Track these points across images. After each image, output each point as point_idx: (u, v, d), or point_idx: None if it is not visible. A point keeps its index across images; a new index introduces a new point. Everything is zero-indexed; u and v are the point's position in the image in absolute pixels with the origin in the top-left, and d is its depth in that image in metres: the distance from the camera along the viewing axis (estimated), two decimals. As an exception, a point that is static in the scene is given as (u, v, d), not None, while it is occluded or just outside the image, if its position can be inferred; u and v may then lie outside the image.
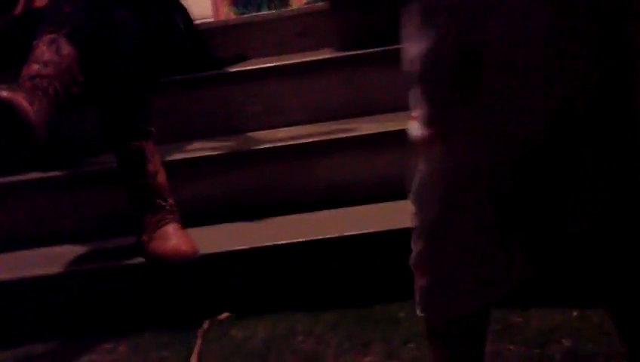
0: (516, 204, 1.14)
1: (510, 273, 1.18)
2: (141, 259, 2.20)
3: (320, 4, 3.00)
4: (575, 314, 1.84)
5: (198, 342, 2.00)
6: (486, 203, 1.13)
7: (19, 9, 2.32)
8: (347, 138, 2.40)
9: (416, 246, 1.24)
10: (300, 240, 2.18)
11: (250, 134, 2.61)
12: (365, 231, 2.17)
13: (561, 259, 1.19)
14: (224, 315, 2.15)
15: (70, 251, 2.34)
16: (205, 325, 2.08)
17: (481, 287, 1.18)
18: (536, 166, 1.13)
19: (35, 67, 2.03)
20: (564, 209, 1.15)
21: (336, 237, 2.17)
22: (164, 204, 2.23)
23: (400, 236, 2.18)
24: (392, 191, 2.35)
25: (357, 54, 2.58)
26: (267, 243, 2.19)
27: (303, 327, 2.01)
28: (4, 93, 1.89)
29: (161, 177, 2.24)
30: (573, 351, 1.71)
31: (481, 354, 1.31)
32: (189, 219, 2.28)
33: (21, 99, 1.91)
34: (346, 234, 2.18)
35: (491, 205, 1.13)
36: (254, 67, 2.68)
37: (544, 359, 1.70)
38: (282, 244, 2.19)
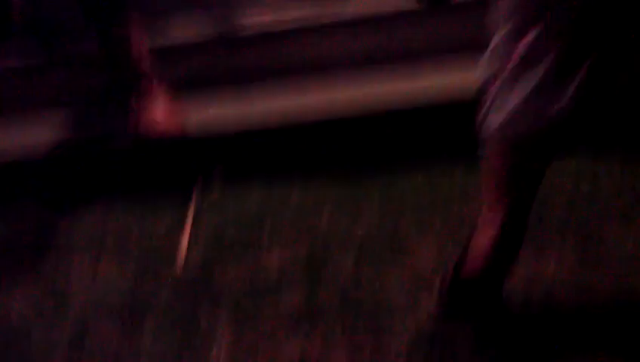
0: (579, 38, 1.19)
1: (559, 106, 1.25)
2: (127, 140, 2.22)
3: None
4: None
5: (192, 210, 2.00)
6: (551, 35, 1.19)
7: None
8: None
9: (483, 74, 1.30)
10: (287, 123, 2.18)
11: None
12: (358, 114, 2.17)
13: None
14: (215, 183, 2.13)
15: (57, 132, 2.32)
16: (197, 195, 2.08)
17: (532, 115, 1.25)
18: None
19: None
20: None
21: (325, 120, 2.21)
22: (148, 84, 2.23)
23: (391, 117, 2.28)
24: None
25: None
26: (257, 125, 2.16)
27: (296, 195, 2.01)
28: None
29: (145, 58, 2.22)
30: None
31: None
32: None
33: None
34: (335, 116, 2.21)
35: (555, 37, 1.18)
36: None
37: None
38: (269, 128, 2.13)
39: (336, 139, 2.19)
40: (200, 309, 1.56)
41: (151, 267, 1.76)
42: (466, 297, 1.46)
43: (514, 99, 1.25)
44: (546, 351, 1.40)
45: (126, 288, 1.68)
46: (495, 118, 1.29)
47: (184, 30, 2.23)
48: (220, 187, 2.12)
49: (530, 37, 1.17)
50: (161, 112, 2.15)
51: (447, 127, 2.14)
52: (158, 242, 1.88)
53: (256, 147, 2.22)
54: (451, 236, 1.73)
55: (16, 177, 2.17)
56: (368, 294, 1.54)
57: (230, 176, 2.17)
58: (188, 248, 1.83)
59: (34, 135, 2.23)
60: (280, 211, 1.97)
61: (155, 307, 1.58)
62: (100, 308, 1.61)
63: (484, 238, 1.38)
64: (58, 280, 1.72)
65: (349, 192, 2.03)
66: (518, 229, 1.41)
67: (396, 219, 1.87)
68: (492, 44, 1.25)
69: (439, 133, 2.15)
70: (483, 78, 1.29)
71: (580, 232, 1.65)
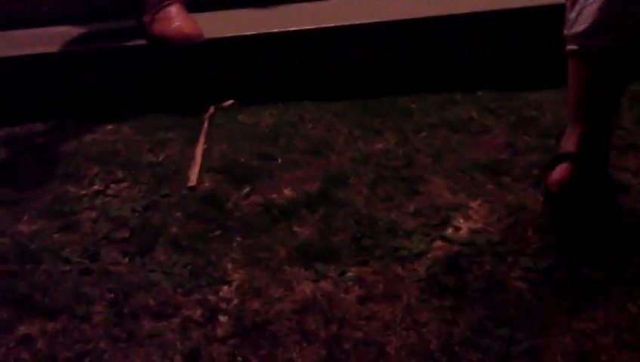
0: None
1: None
2: (143, 41, 2.14)
3: None
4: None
5: (205, 125, 1.98)
6: None
7: None
8: None
9: None
10: (308, 27, 2.13)
11: None
12: (373, 21, 2.12)
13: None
14: (229, 102, 2.12)
15: (69, 32, 2.21)
16: (211, 110, 2.07)
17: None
18: None
19: None
20: None
21: (341, 26, 2.12)
22: None
23: (409, 27, 2.19)
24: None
25: None
26: (274, 30, 2.13)
27: (312, 115, 1.99)
28: None
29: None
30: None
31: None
32: (193, 4, 2.20)
33: None
34: (352, 22, 2.13)
35: None
36: None
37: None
38: (289, 31, 2.12)
39: (357, 52, 2.11)
40: (211, 236, 1.52)
41: (163, 184, 1.72)
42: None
43: (597, 10, 1.31)
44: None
45: (136, 206, 1.65)
46: (578, 27, 1.34)
47: None
48: (234, 104, 2.08)
49: None
50: (178, 13, 2.07)
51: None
52: (171, 157, 1.85)
53: (272, 60, 2.15)
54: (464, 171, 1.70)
55: (28, 89, 2.16)
56: (382, 229, 1.50)
57: (244, 93, 2.11)
58: (201, 166, 1.80)
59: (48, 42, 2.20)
60: (295, 130, 1.92)
61: (165, 229, 1.55)
62: (110, 228, 1.58)
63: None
64: (67, 196, 1.70)
65: (369, 111, 1.99)
66: (597, 152, 1.43)
67: (413, 143, 1.82)
68: None
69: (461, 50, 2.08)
70: None
71: None
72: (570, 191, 1.45)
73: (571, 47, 1.39)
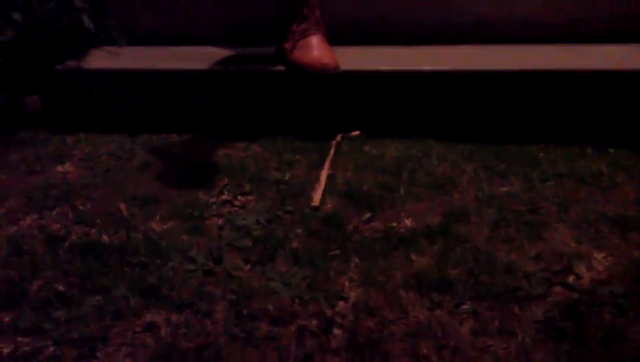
0: None
1: None
2: (281, 67, 2.24)
3: None
4: None
5: (331, 151, 2.05)
6: None
7: None
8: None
9: None
10: (442, 68, 2.17)
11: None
12: (510, 69, 2.13)
13: None
14: (356, 132, 2.19)
15: (213, 52, 2.37)
16: (338, 138, 2.13)
17: None
18: None
19: None
20: None
21: (475, 70, 2.15)
22: (310, 15, 2.22)
23: (543, 77, 2.19)
24: (542, 34, 2.32)
25: None
26: (409, 68, 2.18)
27: (437, 153, 2.02)
28: None
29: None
30: None
31: None
32: (333, 38, 2.28)
33: None
34: (490, 68, 2.15)
35: None
36: None
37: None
38: (423, 71, 2.17)
39: (487, 96, 2.13)
40: (330, 254, 1.56)
41: (287, 201, 1.78)
42: None
43: None
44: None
45: (260, 219, 1.71)
46: None
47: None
48: (362, 134, 2.14)
49: None
50: (319, 44, 2.15)
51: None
52: (296, 177, 1.92)
53: (403, 97, 2.20)
54: (590, 222, 1.67)
55: (164, 102, 2.29)
56: (500, 268, 1.50)
57: (373, 124, 2.17)
58: (324, 189, 1.85)
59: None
60: (419, 164, 1.95)
61: (287, 242, 1.60)
62: (235, 235, 1.65)
63: None
64: (198, 202, 1.79)
65: (495, 155, 2.00)
66: None
67: (539, 190, 1.82)
68: None
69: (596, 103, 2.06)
70: None
71: None
72: None
73: None
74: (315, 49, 2.19)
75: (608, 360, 1.25)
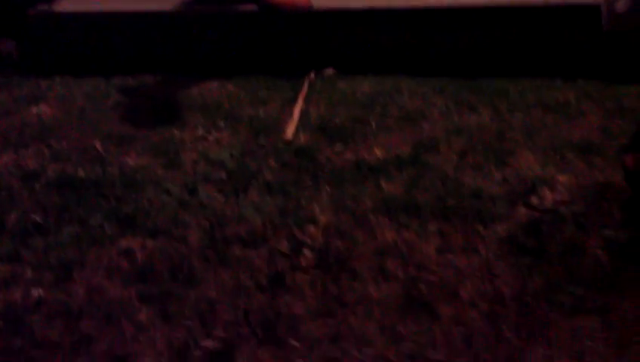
0: None
1: None
2: (253, 7, 2.25)
3: None
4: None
5: (305, 88, 2.07)
6: None
7: None
8: None
9: None
10: (414, 5, 2.19)
11: None
12: (477, 4, 2.15)
13: None
14: (330, 70, 2.20)
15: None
16: (311, 75, 2.16)
17: None
18: None
19: None
20: None
21: (444, 7, 2.16)
22: None
23: (512, 13, 2.21)
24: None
25: None
26: (381, 6, 2.20)
27: (409, 88, 2.05)
28: None
29: None
30: None
31: None
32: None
33: None
34: (458, 4, 2.17)
35: None
36: None
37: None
38: (396, 8, 2.19)
39: (458, 30, 2.15)
40: (302, 183, 1.60)
41: (260, 136, 1.82)
42: None
43: None
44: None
45: (234, 153, 1.74)
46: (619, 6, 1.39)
47: None
48: (335, 71, 2.16)
49: None
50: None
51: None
52: (269, 113, 1.95)
53: (374, 35, 2.21)
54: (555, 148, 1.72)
55: (141, 43, 2.30)
56: (467, 192, 1.55)
57: (346, 61, 2.19)
58: (298, 121, 1.88)
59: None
60: (390, 98, 1.99)
61: (260, 174, 1.64)
62: (209, 169, 1.69)
63: None
64: (172, 139, 1.82)
65: (466, 89, 2.02)
66: None
67: (507, 120, 1.86)
68: None
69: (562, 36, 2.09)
70: None
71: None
72: None
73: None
74: None
75: (567, 271, 1.31)
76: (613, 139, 1.73)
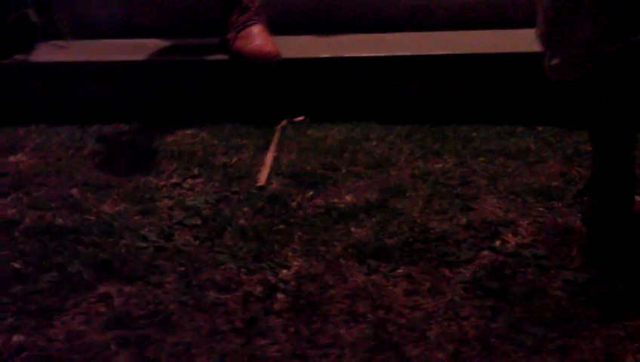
0: None
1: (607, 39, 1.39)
2: (224, 56, 2.32)
3: None
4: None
5: (276, 135, 2.14)
6: None
7: None
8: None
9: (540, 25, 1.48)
10: (379, 54, 2.28)
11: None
12: (440, 53, 2.26)
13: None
14: (300, 118, 2.28)
15: (158, 44, 2.45)
16: (283, 123, 2.23)
17: (584, 50, 1.41)
18: None
19: None
20: None
21: (413, 56, 2.26)
22: (251, 5, 2.31)
23: (474, 61, 2.32)
24: (472, 20, 2.45)
25: None
26: (348, 55, 2.28)
27: (376, 134, 2.13)
28: None
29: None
30: None
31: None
32: (273, 27, 2.37)
33: None
34: (422, 53, 2.27)
35: None
36: None
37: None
38: (362, 57, 2.27)
39: (424, 79, 2.25)
40: (274, 229, 1.65)
41: (234, 183, 1.87)
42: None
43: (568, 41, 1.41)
44: None
45: (209, 199, 1.79)
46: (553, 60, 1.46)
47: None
48: (306, 118, 2.23)
49: None
50: (260, 33, 2.24)
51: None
52: (242, 160, 2.00)
53: (343, 83, 2.30)
54: (517, 193, 1.79)
55: (113, 92, 2.36)
56: (433, 236, 1.61)
57: (316, 108, 2.27)
58: (270, 168, 1.94)
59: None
60: (359, 145, 2.06)
61: (234, 220, 1.69)
62: (185, 215, 1.73)
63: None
64: (148, 186, 1.86)
65: (431, 135, 2.11)
66: (618, 183, 1.53)
67: (471, 165, 1.93)
68: None
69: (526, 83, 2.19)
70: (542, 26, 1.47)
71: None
72: (598, 217, 1.57)
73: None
74: (257, 38, 2.28)
75: (529, 313, 1.37)
76: (573, 184, 1.82)
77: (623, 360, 1.25)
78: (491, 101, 2.23)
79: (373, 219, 1.70)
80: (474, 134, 2.11)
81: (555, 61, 1.45)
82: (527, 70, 2.18)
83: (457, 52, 2.24)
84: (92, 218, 1.73)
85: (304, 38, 2.44)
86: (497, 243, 1.60)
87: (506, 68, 2.22)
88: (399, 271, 1.51)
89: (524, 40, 2.29)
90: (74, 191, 1.86)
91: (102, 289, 1.46)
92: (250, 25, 2.30)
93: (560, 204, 1.74)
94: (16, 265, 1.54)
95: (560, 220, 1.68)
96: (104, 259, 1.55)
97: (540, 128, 2.13)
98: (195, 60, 2.35)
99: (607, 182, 1.57)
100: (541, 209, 1.73)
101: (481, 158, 1.96)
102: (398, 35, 2.41)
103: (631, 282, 1.46)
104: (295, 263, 1.54)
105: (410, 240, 1.61)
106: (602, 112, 1.50)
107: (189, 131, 2.21)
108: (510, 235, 1.63)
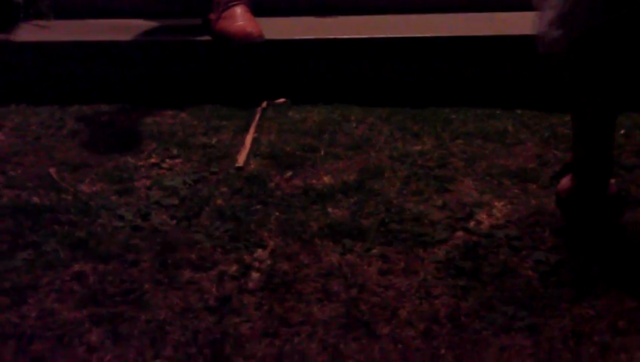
0: None
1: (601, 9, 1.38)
2: (207, 37, 2.31)
3: None
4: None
5: (257, 117, 2.14)
6: None
7: None
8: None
9: None
10: (361, 36, 2.27)
11: None
12: (425, 35, 2.25)
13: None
14: (281, 100, 2.28)
15: (139, 25, 2.42)
16: (264, 105, 2.23)
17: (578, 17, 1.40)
18: None
19: None
20: None
21: (394, 38, 2.26)
22: None
23: (456, 43, 2.32)
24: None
25: None
26: (329, 36, 2.28)
27: (356, 116, 2.13)
28: None
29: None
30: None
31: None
32: (257, 9, 2.36)
33: None
34: (405, 35, 2.27)
35: None
36: None
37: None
38: (343, 39, 2.27)
39: (406, 61, 2.25)
40: (252, 209, 1.67)
41: (213, 163, 1.87)
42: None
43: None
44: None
45: (187, 179, 1.79)
46: (542, 22, 1.45)
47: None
48: (286, 100, 2.22)
49: None
50: (243, 14, 2.23)
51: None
52: (222, 141, 2.00)
53: (325, 64, 2.30)
54: (493, 175, 1.80)
55: (97, 73, 2.34)
56: (409, 217, 1.63)
57: (298, 90, 2.26)
58: (250, 149, 1.94)
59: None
60: (339, 126, 2.06)
61: (211, 200, 1.70)
62: (162, 195, 1.74)
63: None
64: (126, 166, 1.87)
65: (411, 117, 2.11)
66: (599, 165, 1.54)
67: (449, 147, 1.94)
68: None
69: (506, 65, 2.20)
70: None
71: None
72: (573, 198, 1.59)
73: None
74: (239, 19, 2.27)
75: (500, 292, 1.39)
76: (549, 167, 1.83)
77: (591, 338, 1.27)
78: (471, 84, 2.23)
79: (351, 200, 1.71)
80: (453, 116, 2.11)
81: (544, 27, 1.44)
82: (507, 53, 2.20)
83: (436, 34, 2.24)
84: (69, 197, 1.74)
85: (286, 19, 2.44)
86: (471, 224, 1.62)
87: (485, 50, 2.23)
88: (374, 251, 1.53)
89: (503, 23, 2.32)
90: (52, 170, 1.87)
91: (77, 267, 1.48)
92: (234, 5, 2.29)
93: (535, 186, 1.76)
94: (-9, 243, 1.56)
95: (534, 201, 1.70)
96: (80, 237, 1.56)
97: (519, 111, 2.14)
98: (176, 41, 2.34)
99: (585, 165, 1.58)
100: (516, 190, 1.74)
101: (460, 141, 1.98)
102: (378, 17, 2.40)
103: (602, 263, 1.48)
104: (271, 243, 1.56)
105: (386, 220, 1.63)
106: (585, 92, 1.50)
107: (169, 112, 2.20)
108: (484, 216, 1.65)
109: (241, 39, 2.25)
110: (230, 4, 2.29)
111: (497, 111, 2.14)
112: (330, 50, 2.29)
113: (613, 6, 1.37)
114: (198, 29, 2.34)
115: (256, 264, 1.48)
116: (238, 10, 2.29)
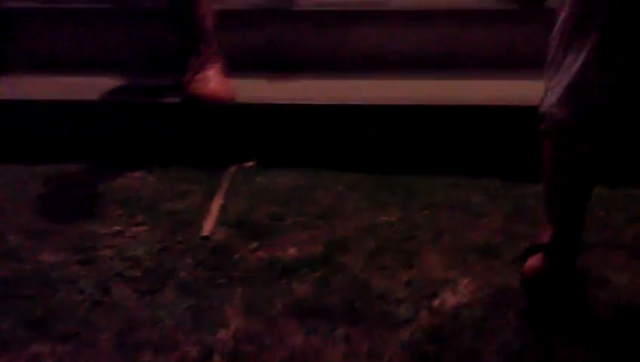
0: (617, 29, 1.34)
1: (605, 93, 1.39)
2: (177, 99, 2.31)
3: None
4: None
5: (225, 181, 2.14)
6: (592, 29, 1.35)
7: None
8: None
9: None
10: (331, 103, 2.28)
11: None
12: (394, 103, 2.28)
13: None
14: (250, 163, 2.27)
15: (111, 82, 2.40)
16: (232, 169, 2.22)
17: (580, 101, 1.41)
18: None
19: None
20: None
21: (365, 105, 2.27)
22: (207, 49, 2.31)
23: (427, 111, 2.34)
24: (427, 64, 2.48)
25: None
26: (301, 102, 2.28)
27: (325, 183, 2.13)
28: None
29: (208, 22, 2.30)
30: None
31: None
32: (230, 66, 2.35)
33: None
34: (375, 103, 2.28)
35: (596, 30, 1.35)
36: None
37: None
38: (314, 104, 2.29)
39: (376, 127, 2.26)
40: (215, 283, 1.65)
41: (178, 232, 1.86)
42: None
43: (561, 82, 1.41)
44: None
45: (151, 249, 1.78)
46: (546, 101, 1.45)
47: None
48: (256, 161, 2.23)
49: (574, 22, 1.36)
50: (215, 77, 2.23)
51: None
52: (189, 207, 1.98)
53: (295, 128, 2.30)
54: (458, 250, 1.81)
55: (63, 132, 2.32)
56: (373, 295, 1.62)
57: (268, 154, 2.25)
58: (216, 219, 1.93)
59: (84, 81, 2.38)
60: (307, 194, 2.05)
61: (175, 273, 1.68)
62: (125, 266, 1.72)
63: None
64: (91, 233, 1.84)
65: (378, 185, 2.11)
66: (567, 246, 1.54)
67: (415, 219, 1.95)
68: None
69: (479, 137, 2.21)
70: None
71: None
72: (541, 279, 1.57)
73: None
74: (212, 81, 2.28)
75: (463, 379, 1.38)
76: (513, 242, 1.84)
77: None
78: (440, 150, 2.24)
79: (316, 274, 1.70)
80: (420, 185, 2.11)
81: (552, 103, 1.43)
82: (472, 121, 2.21)
83: (407, 103, 2.24)
84: (28, 267, 1.71)
85: (258, 81, 2.44)
86: (436, 302, 1.61)
87: (451, 118, 2.25)
88: (339, 331, 1.51)
89: (468, 90, 2.36)
90: (11, 237, 1.85)
91: (34, 347, 1.44)
92: (207, 69, 2.29)
93: (497, 262, 1.76)
94: (-54, 320, 1.52)
95: (498, 280, 1.70)
96: (38, 314, 1.53)
97: (484, 180, 2.15)
98: (146, 102, 2.34)
99: (557, 246, 1.58)
100: (481, 267, 1.75)
101: (426, 211, 1.98)
102: (350, 81, 2.43)
103: (567, 347, 1.48)
104: (234, 322, 1.54)
105: (351, 298, 1.62)
106: (582, 166, 1.49)
107: (137, 173, 2.18)
108: (450, 294, 1.64)
109: (210, 102, 2.26)
110: (203, 66, 2.29)
111: (463, 180, 2.14)
112: (300, 114, 2.30)
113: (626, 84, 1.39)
114: (169, 89, 2.35)
115: (219, 346, 1.46)
116: (210, 73, 2.29)
